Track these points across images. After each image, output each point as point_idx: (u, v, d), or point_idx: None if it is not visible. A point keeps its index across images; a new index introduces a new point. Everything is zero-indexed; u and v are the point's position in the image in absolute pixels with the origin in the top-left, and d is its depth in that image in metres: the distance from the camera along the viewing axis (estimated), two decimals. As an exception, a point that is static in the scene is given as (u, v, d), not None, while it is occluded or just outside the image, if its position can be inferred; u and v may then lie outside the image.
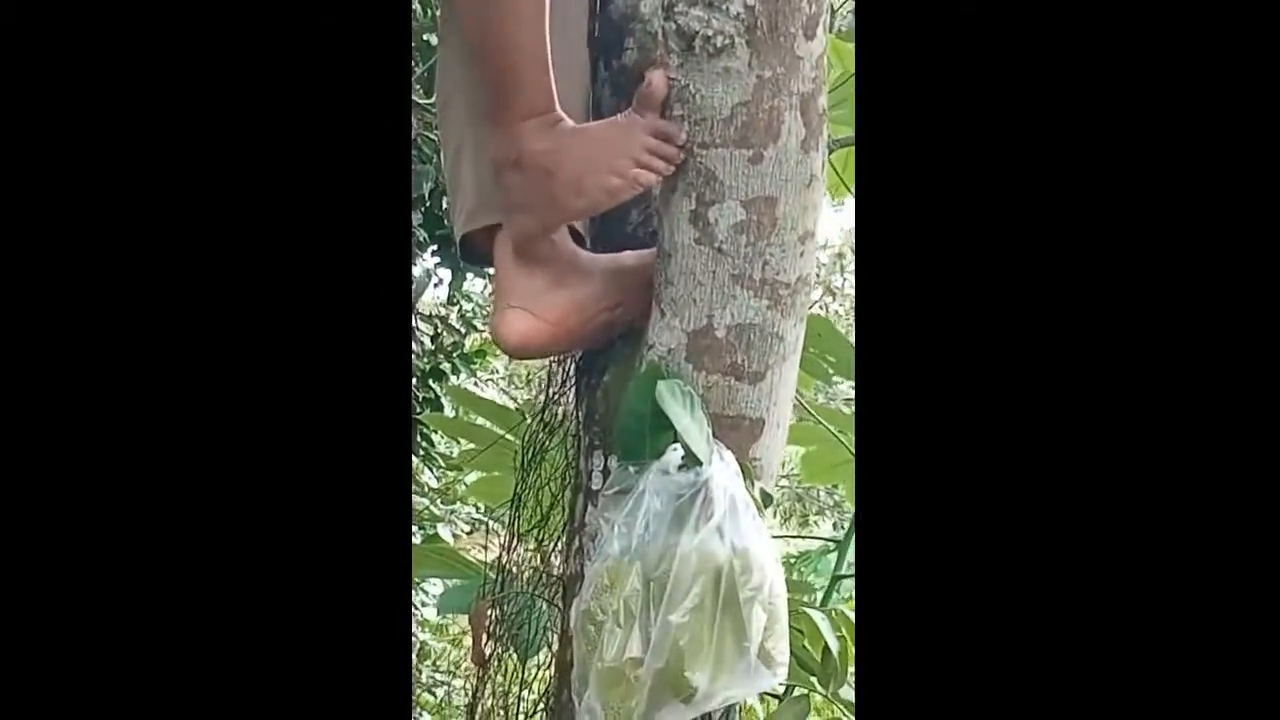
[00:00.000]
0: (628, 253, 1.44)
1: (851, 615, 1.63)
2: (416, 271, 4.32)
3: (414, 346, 4.40)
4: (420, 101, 2.95)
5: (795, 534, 5.55)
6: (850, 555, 2.18)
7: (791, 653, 1.31)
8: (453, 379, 4.57)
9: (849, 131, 1.98)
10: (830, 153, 1.40)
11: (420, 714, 4.72)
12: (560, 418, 1.69)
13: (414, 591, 4.83)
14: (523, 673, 1.74)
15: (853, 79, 1.86)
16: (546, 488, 1.72)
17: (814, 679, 1.58)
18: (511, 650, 1.77)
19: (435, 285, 4.61)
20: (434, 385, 4.51)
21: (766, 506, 1.35)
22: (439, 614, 4.24)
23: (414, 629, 5.04)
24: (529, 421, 1.79)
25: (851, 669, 1.65)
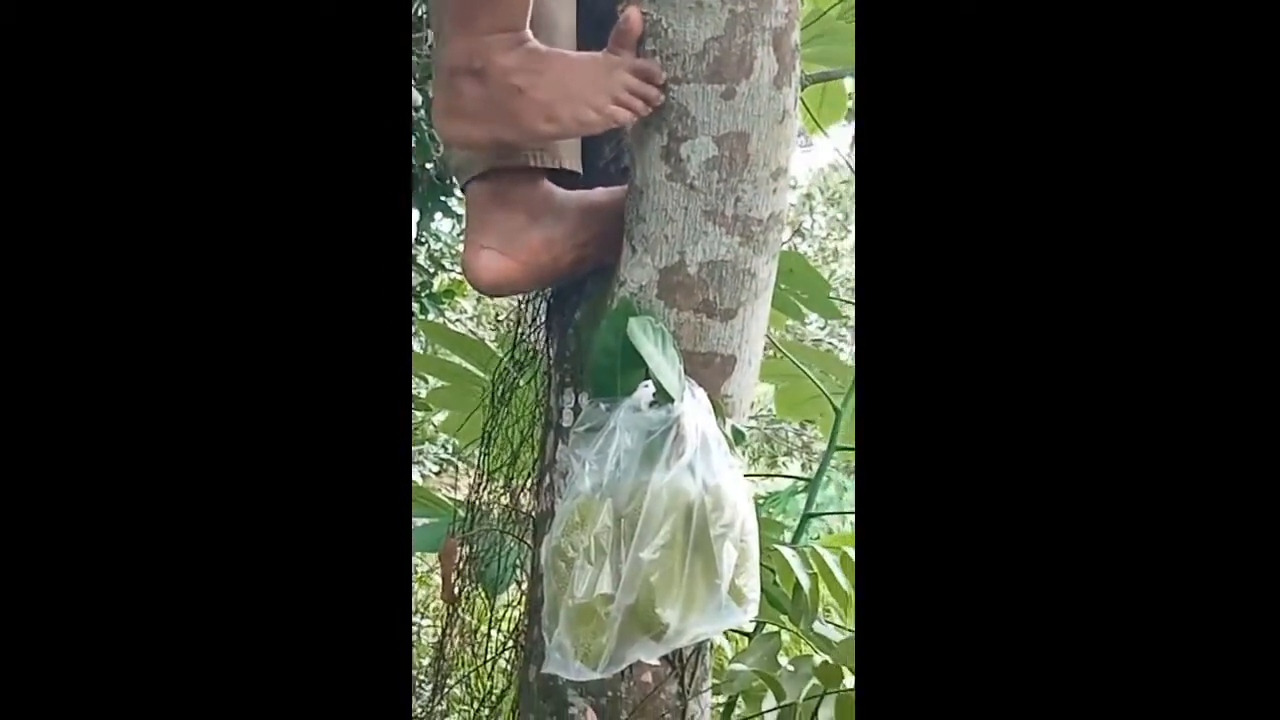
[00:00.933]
0: (599, 190, 1.43)
1: (823, 553, 1.64)
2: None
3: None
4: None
5: (764, 473, 5.57)
6: (819, 495, 2.19)
7: (762, 590, 1.32)
8: (421, 319, 4.55)
9: (821, 68, 1.97)
10: (802, 89, 1.38)
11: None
12: (531, 355, 1.68)
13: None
14: (492, 610, 1.75)
15: (824, 16, 1.85)
16: (516, 425, 1.72)
17: (784, 616, 1.59)
18: (480, 587, 1.77)
19: (403, 224, 4.57)
20: (402, 325, 4.48)
21: (738, 444, 1.35)
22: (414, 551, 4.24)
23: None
24: (500, 358, 1.78)
25: (821, 607, 1.66)
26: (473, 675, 1.82)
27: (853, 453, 2.57)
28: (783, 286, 2.07)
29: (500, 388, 1.73)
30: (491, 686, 1.74)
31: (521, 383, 1.73)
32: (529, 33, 1.29)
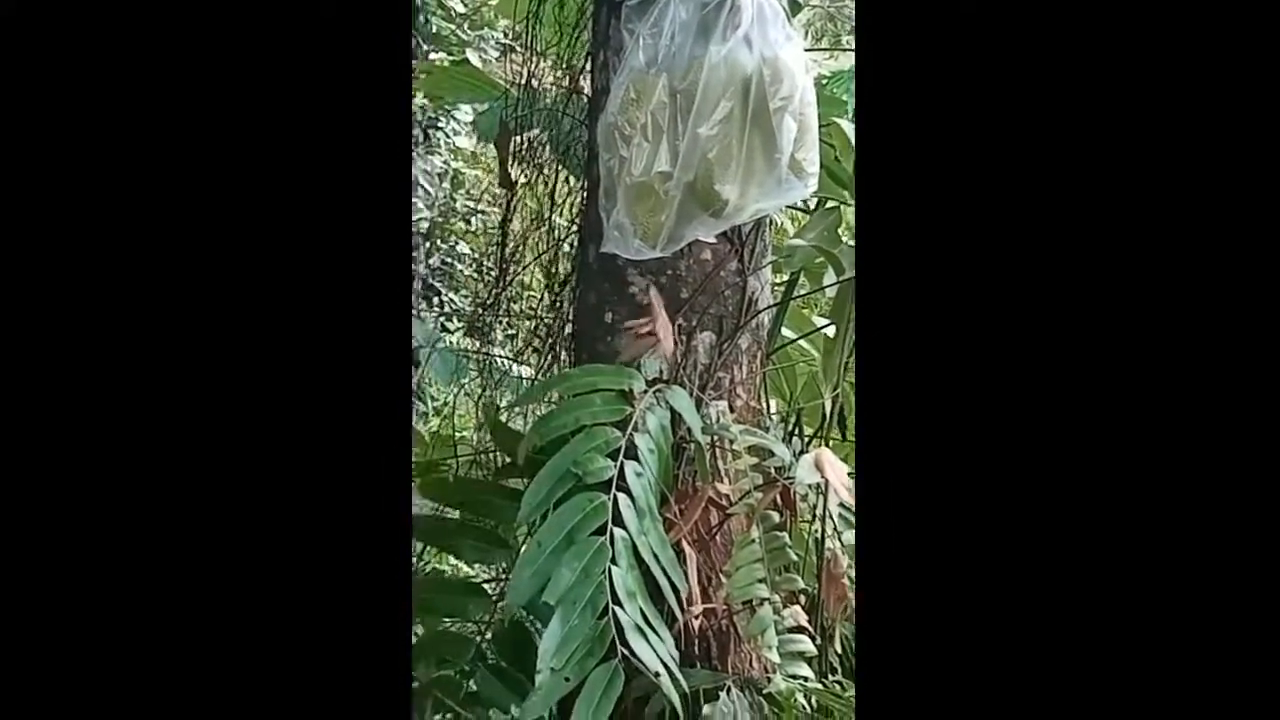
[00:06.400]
0: None
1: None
2: None
3: None
4: None
5: (828, 49, 5.42)
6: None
7: (821, 165, 1.29)
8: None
9: None
10: None
11: (456, 242, 4.82)
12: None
13: (445, 120, 4.82)
14: (553, 194, 1.74)
15: None
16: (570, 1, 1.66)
17: (845, 191, 1.56)
18: (541, 173, 1.76)
19: None
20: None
21: (795, 14, 1.30)
22: (477, 141, 4.21)
23: (448, 158, 5.06)
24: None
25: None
26: (536, 259, 1.83)
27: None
28: None
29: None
30: (554, 270, 1.75)
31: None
32: None
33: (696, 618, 1.27)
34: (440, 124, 4.89)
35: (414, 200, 5.02)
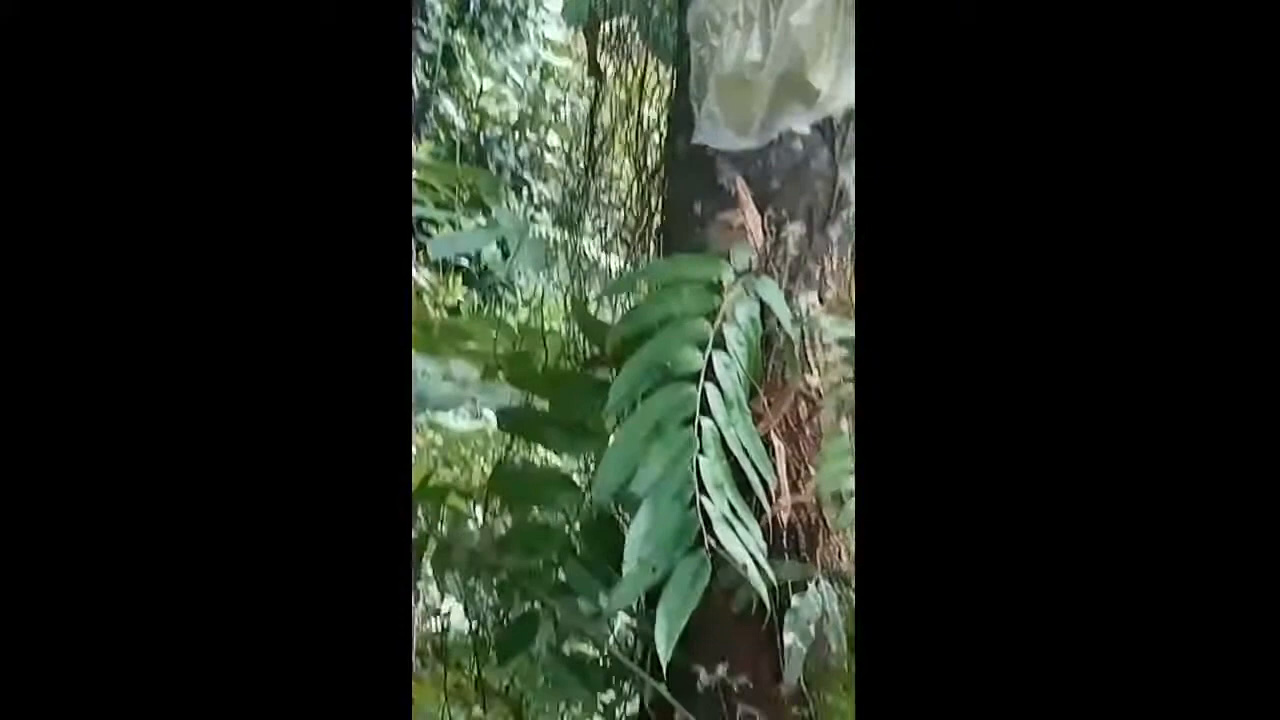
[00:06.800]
0: None
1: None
2: None
3: None
4: None
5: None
6: None
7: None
8: None
9: None
10: None
11: (546, 133, 4.81)
12: None
13: (535, 9, 4.79)
14: (642, 83, 1.73)
15: None
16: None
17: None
18: (631, 61, 1.75)
19: None
20: None
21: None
22: (567, 28, 4.19)
23: (537, 48, 5.04)
24: None
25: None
26: (625, 149, 1.82)
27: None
28: None
29: None
30: (643, 160, 1.74)
31: None
32: None
33: (785, 510, 1.27)
34: (529, 13, 4.86)
35: (503, 91, 5.02)
